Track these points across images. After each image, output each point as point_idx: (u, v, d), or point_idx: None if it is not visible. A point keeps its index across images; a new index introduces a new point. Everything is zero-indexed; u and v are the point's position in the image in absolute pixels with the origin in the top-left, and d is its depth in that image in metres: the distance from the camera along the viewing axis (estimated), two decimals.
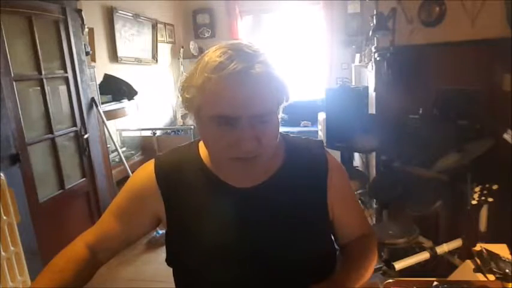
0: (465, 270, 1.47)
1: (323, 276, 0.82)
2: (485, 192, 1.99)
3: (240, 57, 0.72)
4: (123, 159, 3.33)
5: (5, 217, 1.95)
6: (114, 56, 3.96)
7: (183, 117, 4.95)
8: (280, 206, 0.85)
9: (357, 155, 3.86)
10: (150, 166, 0.90)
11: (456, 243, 2.10)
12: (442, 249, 2.07)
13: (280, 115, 0.82)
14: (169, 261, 0.92)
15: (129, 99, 3.69)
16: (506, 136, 2.06)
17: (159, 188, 0.87)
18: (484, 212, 2.13)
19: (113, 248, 0.91)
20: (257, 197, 0.85)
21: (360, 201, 1.01)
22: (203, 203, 0.85)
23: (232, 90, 0.72)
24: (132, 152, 3.94)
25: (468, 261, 1.48)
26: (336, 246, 0.96)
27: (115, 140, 3.36)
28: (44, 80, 2.50)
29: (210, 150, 0.83)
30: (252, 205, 0.84)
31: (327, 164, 0.90)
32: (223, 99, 0.73)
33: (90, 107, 2.94)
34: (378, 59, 2.65)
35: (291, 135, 0.97)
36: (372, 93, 2.96)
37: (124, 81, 3.69)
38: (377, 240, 0.99)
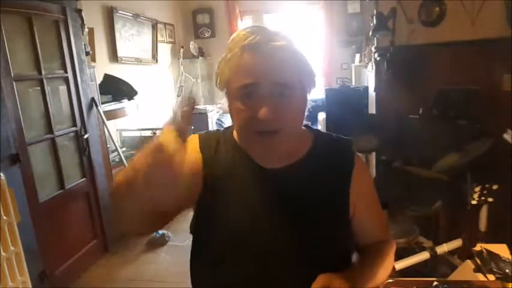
0: (465, 270, 1.47)
1: (334, 271, 0.81)
2: (485, 192, 1.99)
3: (263, 32, 0.78)
4: (123, 159, 3.33)
5: (5, 217, 1.95)
6: (114, 56, 3.96)
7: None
8: (302, 191, 0.86)
9: None
10: (194, 136, 0.94)
11: (456, 243, 2.10)
12: (442, 249, 2.07)
13: (309, 102, 0.84)
14: (192, 229, 0.92)
15: (129, 99, 3.69)
16: (506, 136, 2.06)
17: (200, 152, 0.90)
18: (484, 212, 2.13)
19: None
20: (283, 178, 0.86)
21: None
22: (232, 179, 0.87)
23: (252, 58, 0.77)
24: (132, 152, 3.94)
25: (468, 261, 1.48)
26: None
27: (115, 140, 3.36)
28: (44, 80, 2.50)
29: (236, 126, 0.85)
30: (275, 186, 0.86)
31: (354, 161, 0.91)
32: (244, 69, 0.77)
33: (90, 107, 2.94)
34: (377, 59, 2.65)
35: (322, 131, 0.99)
36: (371, 93, 2.96)
37: (124, 81, 3.69)
38: (394, 250, 0.98)
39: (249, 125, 0.79)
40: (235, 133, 0.92)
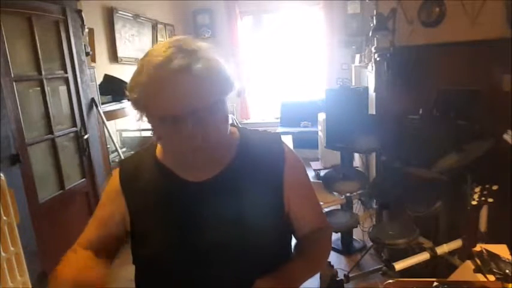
0: (465, 271, 1.47)
1: (275, 268, 0.82)
2: (485, 192, 1.99)
3: (183, 53, 0.74)
4: None
5: (5, 217, 1.95)
6: (114, 57, 3.96)
7: None
8: (234, 199, 0.85)
9: (357, 155, 3.86)
10: (115, 175, 0.95)
11: (456, 243, 2.10)
12: (442, 249, 2.08)
13: (230, 104, 0.83)
14: (134, 261, 0.94)
15: (129, 100, 3.68)
16: (506, 136, 2.06)
17: (122, 191, 0.90)
18: (484, 212, 2.13)
19: (110, 248, 0.94)
20: (211, 190, 0.85)
21: (315, 194, 1.03)
22: (159, 200, 0.88)
23: (174, 87, 0.73)
24: (132, 152, 3.94)
25: (468, 262, 1.48)
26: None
27: (115, 141, 3.36)
28: (44, 81, 2.50)
29: (163, 147, 0.87)
30: (206, 199, 0.85)
31: (284, 157, 0.90)
32: (166, 98, 0.74)
33: (90, 108, 2.94)
34: (377, 59, 2.65)
35: (249, 128, 0.98)
36: (372, 94, 2.96)
37: (124, 81, 3.66)
38: (331, 234, 1.04)
39: (179, 147, 0.78)
40: (157, 149, 0.92)
